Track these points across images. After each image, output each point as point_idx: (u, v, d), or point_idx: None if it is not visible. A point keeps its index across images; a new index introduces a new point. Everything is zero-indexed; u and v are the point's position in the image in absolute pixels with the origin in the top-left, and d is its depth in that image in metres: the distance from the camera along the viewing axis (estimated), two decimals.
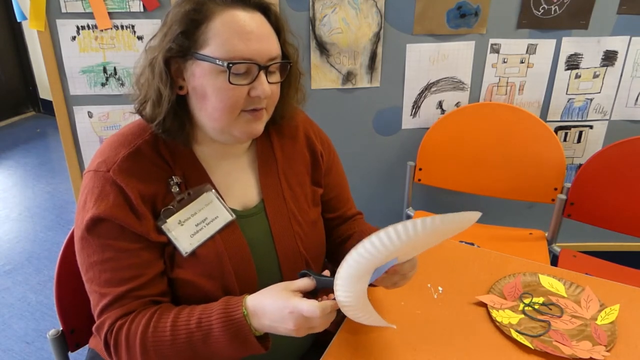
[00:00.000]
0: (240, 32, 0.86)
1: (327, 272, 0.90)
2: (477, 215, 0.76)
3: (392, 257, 0.80)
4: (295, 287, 0.85)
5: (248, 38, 0.86)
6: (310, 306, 0.79)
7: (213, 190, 0.96)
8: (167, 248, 0.92)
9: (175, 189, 0.92)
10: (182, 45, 0.87)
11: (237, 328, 0.84)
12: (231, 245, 0.95)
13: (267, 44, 0.89)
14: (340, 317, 1.05)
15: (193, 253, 0.92)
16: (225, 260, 0.93)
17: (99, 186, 0.88)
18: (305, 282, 0.86)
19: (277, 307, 0.82)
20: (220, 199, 0.96)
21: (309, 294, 0.86)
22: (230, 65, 0.85)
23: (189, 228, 0.92)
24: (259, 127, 0.93)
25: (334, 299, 0.81)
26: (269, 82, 0.89)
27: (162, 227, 0.90)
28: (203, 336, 0.85)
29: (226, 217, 0.95)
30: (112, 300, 0.88)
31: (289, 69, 0.95)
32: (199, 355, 0.86)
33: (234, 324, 0.84)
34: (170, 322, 0.86)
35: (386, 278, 0.92)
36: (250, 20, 0.88)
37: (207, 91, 0.87)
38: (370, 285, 0.87)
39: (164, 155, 0.93)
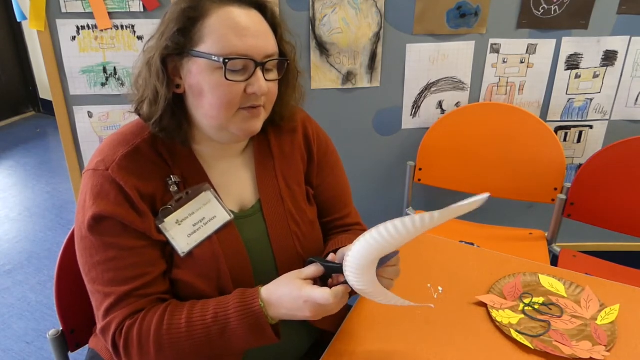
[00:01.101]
0: (236, 28, 0.86)
1: (331, 257, 0.91)
2: (485, 197, 0.74)
3: (401, 245, 0.79)
4: (304, 275, 0.87)
5: (244, 34, 0.86)
6: (323, 294, 0.82)
7: (211, 190, 0.95)
8: (166, 248, 0.92)
9: (173, 188, 0.92)
10: (179, 42, 0.87)
11: (255, 320, 0.85)
12: (228, 246, 0.94)
13: (263, 41, 0.89)
14: (340, 318, 1.05)
15: (190, 253, 0.92)
16: (221, 261, 0.93)
17: (99, 185, 0.88)
18: (314, 269, 0.88)
19: (292, 297, 0.84)
20: (218, 198, 0.96)
21: (319, 280, 0.88)
22: (226, 60, 0.85)
23: (187, 228, 0.92)
24: (257, 125, 0.93)
25: (344, 282, 0.84)
26: (266, 80, 0.89)
27: (160, 226, 0.90)
28: (220, 330, 0.86)
29: (224, 217, 0.95)
30: (117, 300, 0.87)
31: (286, 67, 0.95)
32: (214, 348, 0.87)
33: (252, 316, 0.85)
34: (184, 318, 0.86)
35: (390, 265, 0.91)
36: (247, 17, 0.88)
37: (204, 88, 0.87)
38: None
39: (163, 154, 0.93)
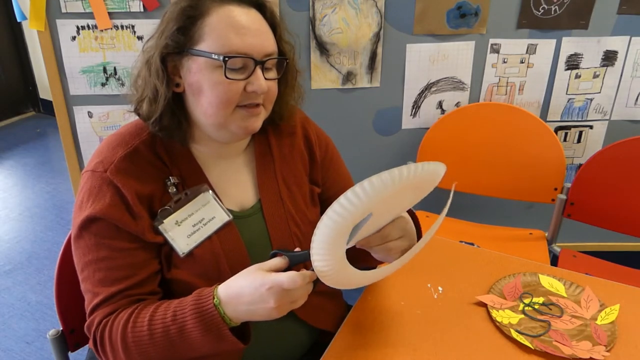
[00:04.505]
0: (235, 26, 0.87)
1: (297, 249, 0.88)
2: (442, 167, 0.77)
3: (366, 213, 0.77)
4: (267, 267, 0.82)
5: (243, 33, 0.87)
6: (289, 277, 0.77)
7: (210, 191, 0.96)
8: (164, 248, 0.92)
9: (172, 190, 0.93)
10: (178, 41, 0.87)
11: (210, 319, 0.82)
12: (228, 246, 0.94)
13: (262, 40, 0.89)
14: (340, 318, 1.05)
15: (190, 253, 0.92)
16: (221, 261, 0.93)
17: (96, 186, 0.89)
18: (278, 262, 0.83)
19: (254, 286, 0.79)
20: (217, 199, 0.96)
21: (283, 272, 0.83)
22: (226, 59, 0.85)
23: (186, 228, 0.92)
24: (257, 123, 0.93)
25: (311, 270, 0.80)
26: (265, 79, 0.89)
27: (159, 227, 0.90)
28: (178, 330, 0.83)
29: (223, 217, 0.95)
30: (103, 300, 0.88)
31: (285, 66, 0.95)
32: (177, 350, 0.85)
33: (206, 315, 0.82)
34: (148, 317, 0.85)
35: (374, 245, 0.89)
36: (246, 16, 0.88)
37: (203, 86, 0.88)
38: (365, 268, 0.85)
39: (161, 155, 0.94)
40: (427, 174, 0.78)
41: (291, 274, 0.78)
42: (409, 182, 0.76)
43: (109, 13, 1.77)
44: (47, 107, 4.06)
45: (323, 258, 0.77)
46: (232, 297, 0.82)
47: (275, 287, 0.78)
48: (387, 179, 0.72)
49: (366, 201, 0.72)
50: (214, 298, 0.82)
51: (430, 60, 1.92)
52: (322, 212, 1.10)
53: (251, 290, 0.80)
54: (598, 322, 1.03)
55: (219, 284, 0.85)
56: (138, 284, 0.89)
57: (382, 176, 0.72)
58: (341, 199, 0.72)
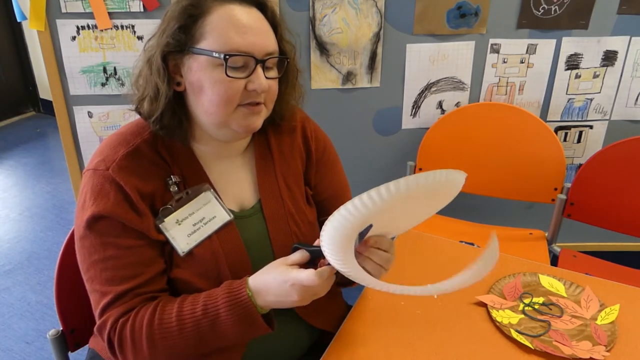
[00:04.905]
0: (237, 25, 0.87)
1: (317, 242, 0.88)
2: (461, 175, 0.75)
3: (370, 221, 0.78)
4: (290, 261, 0.86)
5: (244, 32, 0.87)
6: (308, 276, 0.81)
7: (211, 190, 0.96)
8: (166, 247, 0.92)
9: (173, 189, 0.93)
10: (180, 40, 0.88)
11: (244, 309, 0.85)
12: (228, 246, 0.95)
13: (263, 39, 0.89)
14: (340, 318, 1.05)
15: (190, 253, 0.92)
16: (221, 261, 0.93)
17: (99, 184, 0.88)
18: (299, 255, 0.87)
19: (278, 282, 0.84)
20: (218, 198, 0.96)
21: (306, 265, 0.87)
22: (227, 57, 0.86)
23: (187, 227, 0.92)
24: (258, 122, 0.93)
25: (329, 263, 0.82)
26: (266, 77, 0.89)
27: (160, 226, 0.91)
28: (210, 322, 0.86)
29: (224, 217, 0.95)
30: (113, 299, 0.87)
31: (286, 65, 0.96)
32: (206, 341, 0.87)
33: (240, 305, 0.85)
34: (175, 312, 0.86)
35: (383, 247, 0.89)
36: (247, 15, 0.89)
37: (204, 85, 0.88)
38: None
39: (163, 154, 0.94)
40: (446, 183, 0.75)
41: (310, 273, 0.81)
42: (425, 190, 0.74)
43: (109, 13, 1.77)
44: (47, 107, 4.06)
45: (337, 259, 0.78)
46: (261, 290, 0.86)
47: (297, 284, 0.82)
48: (401, 186, 0.70)
49: (380, 205, 0.71)
50: (247, 290, 0.86)
51: (430, 60, 1.92)
52: (317, 215, 1.10)
53: (276, 285, 0.84)
54: (598, 322, 1.03)
55: (248, 276, 0.88)
56: (147, 281, 0.89)
57: (389, 186, 0.69)
58: (355, 200, 0.72)
